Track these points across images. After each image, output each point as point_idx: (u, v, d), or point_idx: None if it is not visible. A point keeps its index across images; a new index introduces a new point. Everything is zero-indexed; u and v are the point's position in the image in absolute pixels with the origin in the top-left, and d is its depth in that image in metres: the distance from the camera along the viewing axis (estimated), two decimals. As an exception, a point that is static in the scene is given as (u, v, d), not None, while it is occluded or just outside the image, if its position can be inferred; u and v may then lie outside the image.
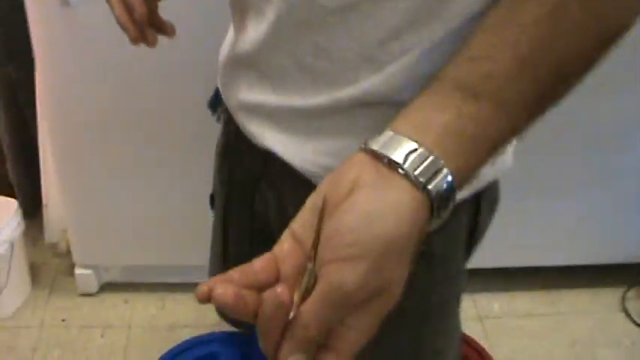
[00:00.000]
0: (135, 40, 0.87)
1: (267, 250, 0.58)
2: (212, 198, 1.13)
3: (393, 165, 0.52)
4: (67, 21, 1.68)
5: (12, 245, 1.99)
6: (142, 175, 1.91)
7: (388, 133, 0.54)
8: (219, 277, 0.53)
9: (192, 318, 2.05)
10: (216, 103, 1.01)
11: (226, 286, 0.51)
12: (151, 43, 0.88)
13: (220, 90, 0.95)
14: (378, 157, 0.53)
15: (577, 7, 0.56)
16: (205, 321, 2.02)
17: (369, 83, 0.70)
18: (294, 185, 0.80)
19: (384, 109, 0.69)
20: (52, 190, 2.07)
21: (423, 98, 0.57)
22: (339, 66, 0.71)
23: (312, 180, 0.79)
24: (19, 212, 2.03)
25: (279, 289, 0.49)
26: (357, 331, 0.51)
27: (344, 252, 0.49)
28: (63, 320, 2.07)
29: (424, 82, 0.62)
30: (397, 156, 0.52)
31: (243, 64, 0.83)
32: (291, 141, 0.80)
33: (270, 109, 0.80)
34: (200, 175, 1.22)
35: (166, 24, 0.90)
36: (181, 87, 1.70)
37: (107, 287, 2.14)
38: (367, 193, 0.51)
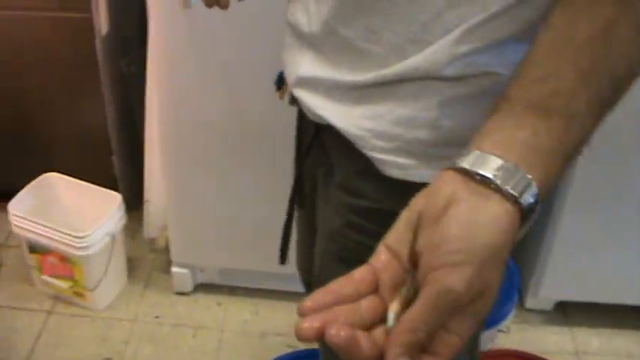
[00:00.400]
0: (208, 5, 0.95)
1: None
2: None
3: (485, 181, 0.56)
4: (186, 22, 1.68)
5: (113, 238, 2.01)
6: (246, 179, 1.90)
7: (475, 152, 0.59)
8: (321, 296, 0.57)
9: (286, 327, 2.03)
10: (281, 80, 1.08)
11: (339, 327, 0.53)
12: (224, 6, 0.95)
13: (284, 68, 1.01)
14: (469, 174, 0.57)
15: (624, 22, 0.61)
16: (298, 331, 2.00)
17: (413, 61, 0.78)
18: (340, 151, 0.91)
19: (425, 82, 0.78)
20: (154, 187, 2.09)
21: (498, 120, 0.62)
22: (387, 48, 0.79)
23: (354, 142, 0.86)
24: (122, 206, 2.05)
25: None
26: (458, 335, 0.54)
27: (451, 258, 0.54)
28: (156, 317, 2.08)
29: (462, 59, 0.75)
30: (487, 172, 0.57)
31: (305, 43, 0.90)
32: (339, 108, 0.87)
33: (324, 83, 0.88)
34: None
35: None
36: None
37: (202, 288, 2.15)
38: (466, 207, 0.56)
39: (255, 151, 1.85)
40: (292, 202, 1.19)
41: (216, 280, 2.13)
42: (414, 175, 0.84)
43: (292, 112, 1.26)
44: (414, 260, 0.57)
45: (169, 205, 2.01)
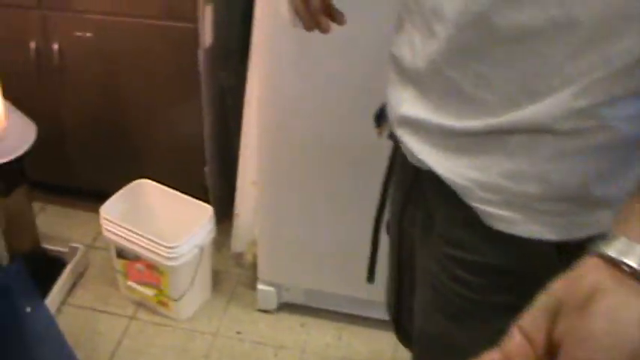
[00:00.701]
0: (308, 29, 0.94)
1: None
2: (388, 225, 1.17)
3: (633, 272, 0.54)
4: (292, 40, 1.66)
5: (201, 250, 2.01)
6: (339, 202, 1.87)
7: (622, 239, 0.56)
8: None
9: (368, 354, 2.00)
10: (381, 117, 1.05)
11: None
12: (324, 30, 0.93)
13: (387, 103, 0.98)
14: (615, 263, 0.55)
15: None
16: (382, 359, 1.97)
17: (526, 113, 0.74)
18: (442, 199, 0.87)
19: (536, 134, 0.75)
20: (244, 201, 2.08)
21: None
22: (499, 96, 0.76)
23: (458, 192, 0.83)
24: (213, 220, 2.04)
25: None
26: None
27: (595, 355, 0.51)
28: (238, 333, 2.07)
29: (579, 113, 0.71)
30: (636, 264, 0.54)
31: (408, 79, 0.87)
32: (442, 156, 0.84)
33: (426, 125, 0.85)
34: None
35: (338, 13, 0.95)
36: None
37: (285, 307, 2.12)
38: (613, 300, 0.53)
39: (353, 175, 1.82)
40: (376, 231, 1.20)
41: (301, 300, 2.10)
42: (521, 230, 0.81)
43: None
44: (551, 349, 0.55)
45: (260, 222, 1.99)
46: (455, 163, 0.83)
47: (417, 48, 0.84)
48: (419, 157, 0.87)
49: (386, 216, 1.18)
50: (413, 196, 0.99)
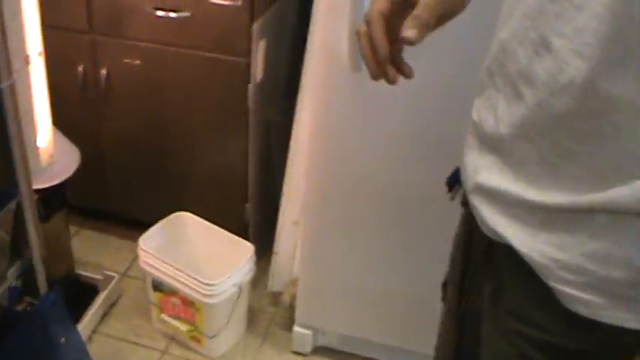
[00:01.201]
0: (374, 78, 0.90)
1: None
2: (444, 286, 1.12)
3: None
4: (347, 82, 1.64)
5: (240, 289, 1.97)
6: (381, 249, 1.84)
7: None
8: None
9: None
10: (454, 181, 1.02)
11: None
12: (391, 81, 0.89)
13: (460, 168, 0.95)
14: None
15: None
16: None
17: (614, 193, 0.70)
18: (516, 274, 0.83)
19: (624, 217, 0.71)
20: (284, 239, 2.04)
21: None
22: (585, 171, 0.72)
23: (536, 270, 0.79)
24: (253, 259, 2.01)
25: None
26: None
27: None
28: (271, 374, 2.03)
29: None
30: None
31: (488, 146, 0.84)
32: (520, 230, 0.80)
33: (504, 196, 0.81)
34: (441, 261, 1.13)
35: (406, 65, 0.91)
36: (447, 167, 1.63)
37: (320, 350, 2.08)
38: None
39: (399, 223, 1.79)
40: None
41: (335, 344, 2.06)
42: (603, 315, 0.78)
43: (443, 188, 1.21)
44: None
45: (301, 264, 1.96)
46: (534, 239, 0.80)
47: (500, 113, 0.81)
48: (495, 228, 0.84)
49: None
50: (481, 266, 0.95)
